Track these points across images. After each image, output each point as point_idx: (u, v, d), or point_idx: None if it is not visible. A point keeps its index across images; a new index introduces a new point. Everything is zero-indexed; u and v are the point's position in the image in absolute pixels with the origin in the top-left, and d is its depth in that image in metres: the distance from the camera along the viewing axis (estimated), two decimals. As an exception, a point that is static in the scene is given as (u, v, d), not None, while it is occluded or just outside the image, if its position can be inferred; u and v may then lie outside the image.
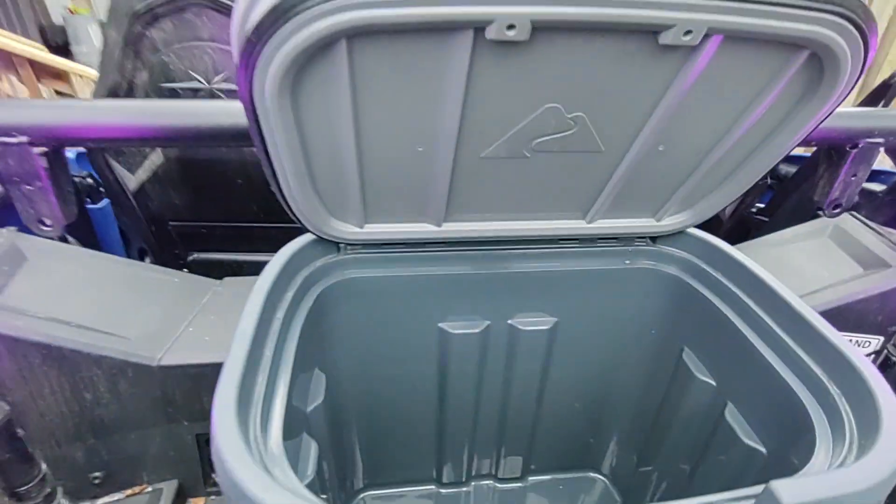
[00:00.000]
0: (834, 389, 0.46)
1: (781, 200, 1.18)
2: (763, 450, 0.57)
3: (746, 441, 0.58)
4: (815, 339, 0.49)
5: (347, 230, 0.67)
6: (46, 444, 0.70)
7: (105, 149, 1.06)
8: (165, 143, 0.84)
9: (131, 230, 1.24)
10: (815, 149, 1.04)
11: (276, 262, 0.61)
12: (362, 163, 0.56)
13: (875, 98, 1.12)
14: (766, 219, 1.22)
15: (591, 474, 0.99)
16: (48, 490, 0.68)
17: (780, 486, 0.36)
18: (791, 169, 1.21)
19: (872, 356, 0.85)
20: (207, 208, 1.18)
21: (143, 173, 1.11)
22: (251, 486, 0.35)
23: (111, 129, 0.69)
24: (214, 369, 0.81)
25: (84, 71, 2.70)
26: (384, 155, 0.55)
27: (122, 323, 0.83)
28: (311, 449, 0.62)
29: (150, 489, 0.89)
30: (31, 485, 0.66)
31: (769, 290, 0.55)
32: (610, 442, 0.86)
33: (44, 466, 0.68)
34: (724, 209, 1.19)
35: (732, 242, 0.77)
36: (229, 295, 0.97)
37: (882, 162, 1.03)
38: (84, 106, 0.74)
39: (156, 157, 1.09)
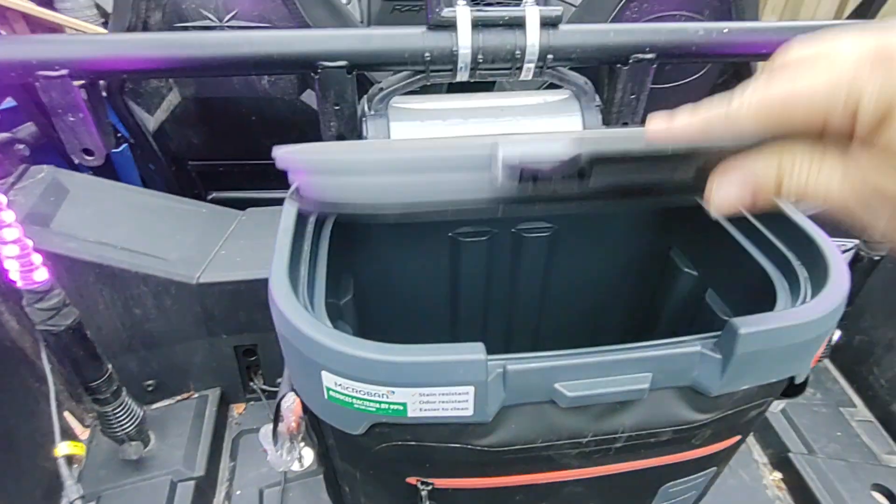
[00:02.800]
0: (795, 261, 0.54)
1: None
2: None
3: (723, 317, 0.66)
4: (781, 222, 0.56)
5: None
6: (105, 355, 0.79)
7: (125, 91, 1.11)
8: (192, 73, 0.89)
9: (152, 173, 1.30)
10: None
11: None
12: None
13: (861, 10, 1.15)
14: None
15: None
16: (115, 387, 0.78)
17: (738, 321, 0.44)
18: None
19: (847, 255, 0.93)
20: (224, 146, 1.24)
21: (161, 114, 1.17)
22: (310, 330, 0.42)
23: (143, 60, 0.74)
24: (248, 286, 0.91)
25: (79, 25, 2.68)
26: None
27: (161, 247, 0.91)
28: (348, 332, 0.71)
29: (196, 395, 1.00)
30: (100, 380, 0.75)
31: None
32: (605, 334, 0.95)
33: (110, 366, 0.77)
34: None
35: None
36: (254, 223, 1.04)
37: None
38: (118, 40, 0.79)
39: (173, 98, 1.14)
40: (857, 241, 0.90)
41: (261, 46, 0.76)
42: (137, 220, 0.95)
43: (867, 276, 0.88)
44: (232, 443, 0.97)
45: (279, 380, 0.69)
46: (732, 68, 1.26)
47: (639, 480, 0.55)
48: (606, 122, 0.87)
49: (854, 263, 0.88)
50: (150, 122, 1.18)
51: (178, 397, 0.99)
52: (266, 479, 0.89)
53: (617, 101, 0.87)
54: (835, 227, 0.59)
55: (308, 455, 0.93)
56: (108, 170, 1.25)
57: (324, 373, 0.43)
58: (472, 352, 0.40)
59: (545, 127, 0.84)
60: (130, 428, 0.82)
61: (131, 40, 0.80)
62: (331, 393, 0.44)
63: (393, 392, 0.42)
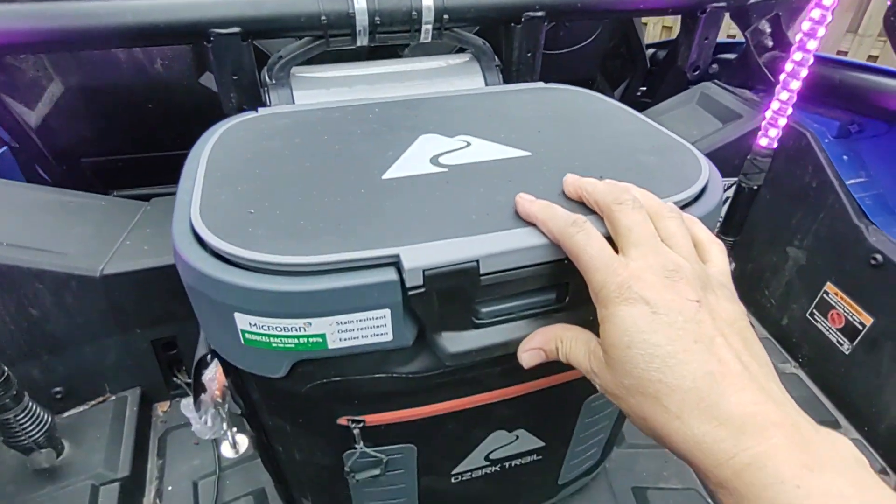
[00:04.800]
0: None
1: (659, 81, 1.33)
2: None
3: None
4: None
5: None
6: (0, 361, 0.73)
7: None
8: (70, 47, 0.81)
9: (39, 175, 1.20)
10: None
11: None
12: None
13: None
14: (650, 100, 1.37)
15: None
16: (14, 391, 0.71)
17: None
18: (663, 53, 1.36)
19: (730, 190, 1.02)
20: (121, 140, 1.16)
21: (43, 107, 1.08)
22: (214, 271, 0.41)
23: (8, 34, 0.68)
24: (160, 273, 0.87)
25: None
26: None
27: (57, 241, 0.85)
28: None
29: (113, 398, 0.93)
30: (-5, 386, 0.69)
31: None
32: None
33: (5, 368, 0.71)
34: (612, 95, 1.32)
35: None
36: (161, 212, 0.99)
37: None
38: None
39: (55, 88, 1.06)
40: (737, 177, 1.00)
41: (146, 15, 0.72)
42: (26, 217, 0.88)
43: (749, 206, 0.97)
44: (158, 441, 0.92)
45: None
46: (621, 33, 1.35)
47: (563, 396, 0.59)
48: (507, 80, 0.91)
49: (737, 196, 0.97)
50: (32, 116, 1.09)
51: (93, 402, 0.93)
52: (199, 470, 0.86)
53: (515, 60, 0.91)
54: (721, 169, 0.64)
55: (243, 441, 0.91)
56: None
57: (237, 315, 0.42)
58: (385, 275, 0.41)
59: (448, 88, 0.86)
60: (38, 435, 0.76)
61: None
62: (247, 336, 0.43)
63: (310, 324, 0.42)
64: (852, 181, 0.92)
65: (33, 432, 0.75)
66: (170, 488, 0.84)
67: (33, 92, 1.07)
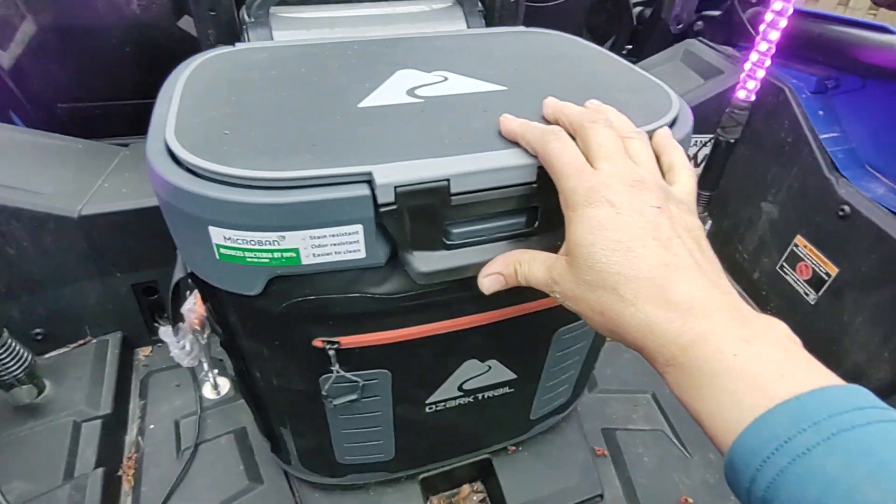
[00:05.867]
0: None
1: (645, 38, 1.32)
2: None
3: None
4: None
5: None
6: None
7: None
8: None
9: (14, 122, 1.18)
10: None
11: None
12: None
13: None
14: (636, 58, 1.37)
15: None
16: (-8, 327, 0.72)
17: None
18: (649, 11, 1.35)
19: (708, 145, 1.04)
20: (98, 85, 1.13)
21: (16, 47, 1.05)
22: (187, 183, 0.41)
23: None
24: (140, 215, 0.87)
25: None
26: None
27: (33, 181, 0.84)
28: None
29: (94, 341, 0.94)
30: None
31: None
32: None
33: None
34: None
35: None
36: (141, 157, 0.98)
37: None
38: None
39: (27, 27, 1.03)
40: (713, 134, 1.01)
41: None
42: (1, 156, 0.86)
43: (726, 160, 0.98)
44: (140, 383, 0.93)
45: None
46: (608, -11, 1.34)
47: (533, 326, 0.60)
48: (489, 24, 0.90)
49: (714, 150, 0.99)
50: (4, 58, 1.06)
51: (73, 345, 0.93)
52: (181, 410, 0.87)
53: (498, 7, 0.90)
54: (700, 125, 0.64)
55: (224, 384, 0.92)
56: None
57: (211, 228, 0.43)
58: (358, 190, 0.41)
59: (430, 31, 0.85)
60: (18, 371, 0.77)
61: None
62: (221, 251, 0.44)
63: (283, 237, 0.43)
64: (826, 136, 0.93)
65: (13, 368, 0.76)
66: (152, 426, 0.85)
67: (5, 31, 1.04)
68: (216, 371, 0.89)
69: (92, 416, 0.82)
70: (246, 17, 0.81)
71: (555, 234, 0.49)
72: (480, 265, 0.47)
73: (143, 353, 0.99)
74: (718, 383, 0.27)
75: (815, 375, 0.26)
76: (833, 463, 0.22)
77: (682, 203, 0.38)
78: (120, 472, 0.79)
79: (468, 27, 0.88)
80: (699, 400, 0.28)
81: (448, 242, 0.46)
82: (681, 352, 0.29)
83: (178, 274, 0.54)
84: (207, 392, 0.90)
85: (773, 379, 0.26)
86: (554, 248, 0.44)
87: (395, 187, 0.41)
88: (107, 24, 1.03)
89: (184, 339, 0.64)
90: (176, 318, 0.60)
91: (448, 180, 0.42)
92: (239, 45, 0.66)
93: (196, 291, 0.64)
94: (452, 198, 0.43)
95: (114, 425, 0.84)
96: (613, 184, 0.35)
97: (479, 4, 0.90)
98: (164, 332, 0.64)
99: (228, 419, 0.86)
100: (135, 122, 1.22)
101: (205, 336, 0.66)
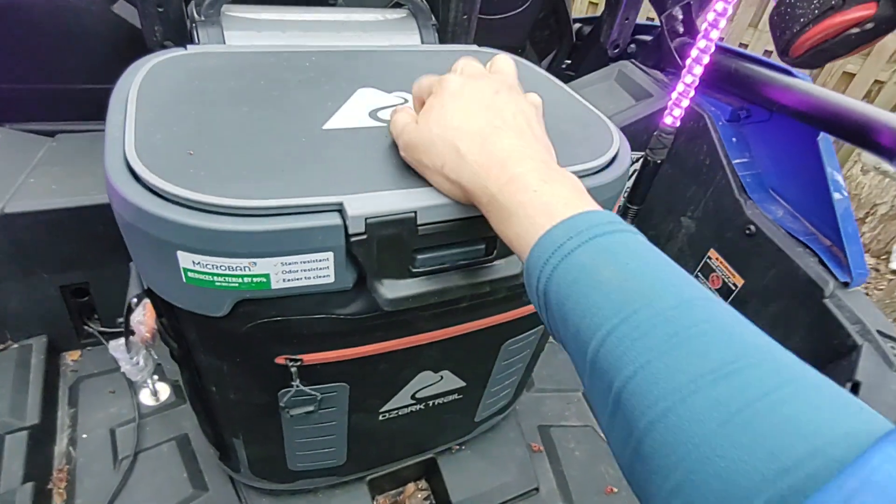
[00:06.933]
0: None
1: (583, 56, 1.40)
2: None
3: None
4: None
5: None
6: None
7: None
8: None
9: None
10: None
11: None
12: None
13: None
14: (574, 73, 1.45)
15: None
16: None
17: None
18: (588, 28, 1.43)
19: (638, 164, 1.13)
20: (22, 67, 1.04)
21: (-80, 22, 0.95)
22: (158, 209, 0.41)
23: None
24: (71, 214, 0.82)
25: None
26: None
27: (-55, 175, 0.77)
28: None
29: (16, 346, 0.88)
30: None
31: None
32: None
33: None
34: (539, 65, 1.37)
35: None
36: (71, 149, 0.93)
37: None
38: None
39: (-66, 1, 0.93)
40: (644, 152, 1.10)
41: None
42: None
43: (653, 178, 1.07)
44: (69, 390, 0.89)
45: (119, 319, 0.65)
46: (551, 5, 1.39)
47: (484, 339, 0.65)
48: (442, 41, 0.92)
49: (643, 169, 1.07)
50: None
51: (-8, 350, 0.87)
52: (116, 418, 0.84)
53: (451, 22, 0.93)
54: (632, 143, 0.70)
55: (164, 389, 0.90)
56: None
57: (180, 253, 0.43)
58: (330, 219, 0.43)
59: (385, 42, 0.86)
60: (-67, 382, 0.71)
61: None
62: (189, 274, 0.44)
63: (255, 263, 0.44)
64: (738, 160, 1.04)
65: (-73, 379, 0.70)
66: (84, 436, 0.82)
67: None
68: (156, 377, 0.87)
69: (17, 426, 0.77)
70: (196, 14, 0.78)
71: (514, 260, 0.53)
72: (444, 291, 0.50)
73: (70, 357, 0.94)
74: (522, 212, 0.36)
75: (589, 206, 0.35)
76: (585, 257, 0.32)
77: (514, 90, 0.45)
78: (50, 486, 0.76)
79: (422, 41, 0.90)
80: (510, 227, 0.37)
81: (414, 270, 0.49)
82: (499, 190, 0.38)
83: (134, 290, 0.53)
84: (146, 398, 0.87)
85: (559, 207, 0.35)
86: (515, 276, 0.48)
87: (366, 219, 0.44)
88: (33, 4, 0.95)
89: (137, 354, 0.63)
90: (129, 334, 0.58)
91: (416, 212, 0.45)
92: (191, 48, 0.64)
93: (145, 301, 0.62)
94: (419, 228, 0.46)
95: (41, 436, 0.80)
96: (453, 80, 0.44)
97: (433, 18, 0.92)
98: (115, 346, 0.62)
99: (170, 426, 0.84)
100: (64, 107, 1.13)
101: (154, 348, 0.65)
